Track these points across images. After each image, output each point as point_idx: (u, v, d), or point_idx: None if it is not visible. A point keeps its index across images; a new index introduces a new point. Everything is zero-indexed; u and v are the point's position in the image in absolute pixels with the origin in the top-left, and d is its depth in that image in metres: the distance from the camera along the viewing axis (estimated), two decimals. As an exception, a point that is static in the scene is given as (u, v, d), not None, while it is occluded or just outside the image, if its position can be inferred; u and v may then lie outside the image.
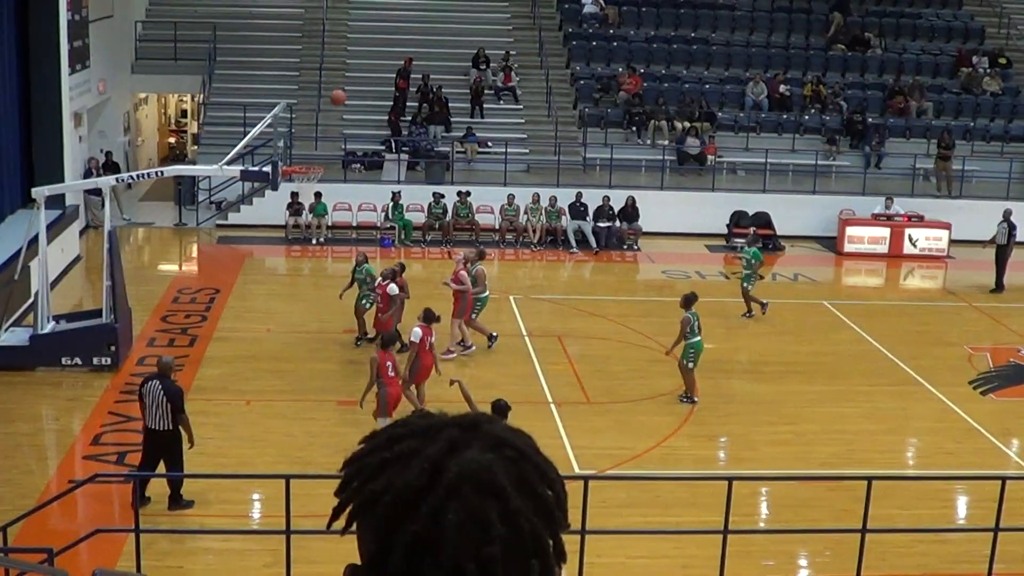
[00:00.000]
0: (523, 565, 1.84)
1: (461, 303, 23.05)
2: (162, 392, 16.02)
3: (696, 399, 21.12)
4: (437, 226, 33.35)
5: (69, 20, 29.70)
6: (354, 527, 1.97)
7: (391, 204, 33.04)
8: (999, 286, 30.12)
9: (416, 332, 19.70)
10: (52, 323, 22.06)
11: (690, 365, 21.08)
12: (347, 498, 1.97)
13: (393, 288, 21.97)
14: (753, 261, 26.52)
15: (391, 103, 36.93)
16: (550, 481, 1.97)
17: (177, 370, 18.45)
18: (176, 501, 16.32)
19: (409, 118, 36.92)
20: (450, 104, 37.37)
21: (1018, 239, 30.53)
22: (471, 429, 1.95)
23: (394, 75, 37.23)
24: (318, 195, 32.16)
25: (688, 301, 21.26)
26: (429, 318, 20.02)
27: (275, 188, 25.12)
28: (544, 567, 1.88)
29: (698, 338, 21.01)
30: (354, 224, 33.40)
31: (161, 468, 16.28)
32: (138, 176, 27.55)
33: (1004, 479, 15.33)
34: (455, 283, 23.09)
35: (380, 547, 1.87)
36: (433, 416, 2.02)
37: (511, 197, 33.30)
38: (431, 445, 1.90)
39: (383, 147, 36.19)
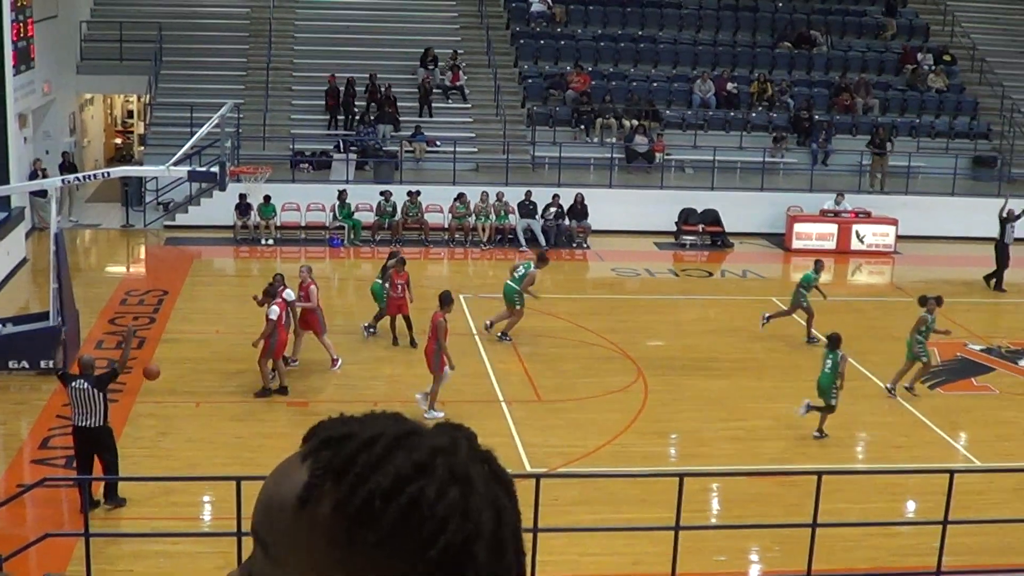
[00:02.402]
0: None
1: (320, 320, 22.31)
2: (91, 388, 15.87)
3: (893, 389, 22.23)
4: (386, 225, 33.29)
5: (13, 20, 29.44)
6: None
7: (337, 203, 32.94)
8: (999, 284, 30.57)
9: (274, 310, 20.37)
10: (-2, 326, 21.88)
11: (924, 359, 22.30)
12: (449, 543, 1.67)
13: (289, 293, 21.65)
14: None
15: (330, 104, 36.94)
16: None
17: (126, 373, 18.33)
18: (112, 497, 16.25)
19: (352, 118, 36.89)
20: (398, 103, 37.31)
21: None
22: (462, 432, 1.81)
23: (340, 74, 37.07)
24: (267, 198, 31.94)
25: (925, 302, 22.37)
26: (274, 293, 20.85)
27: (223, 189, 24.99)
28: None
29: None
30: (303, 224, 33.29)
31: (96, 466, 16.18)
32: (84, 177, 27.34)
33: (952, 472, 15.47)
34: (304, 300, 22.08)
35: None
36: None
37: (461, 196, 33.28)
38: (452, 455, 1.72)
39: (332, 147, 36.10)
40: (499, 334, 24.43)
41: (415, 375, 22.25)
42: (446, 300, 20.40)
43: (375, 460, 1.68)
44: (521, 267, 24.78)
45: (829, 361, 20.12)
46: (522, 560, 1.77)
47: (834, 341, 20.27)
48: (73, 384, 15.94)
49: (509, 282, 24.48)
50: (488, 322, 24.56)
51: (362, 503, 1.65)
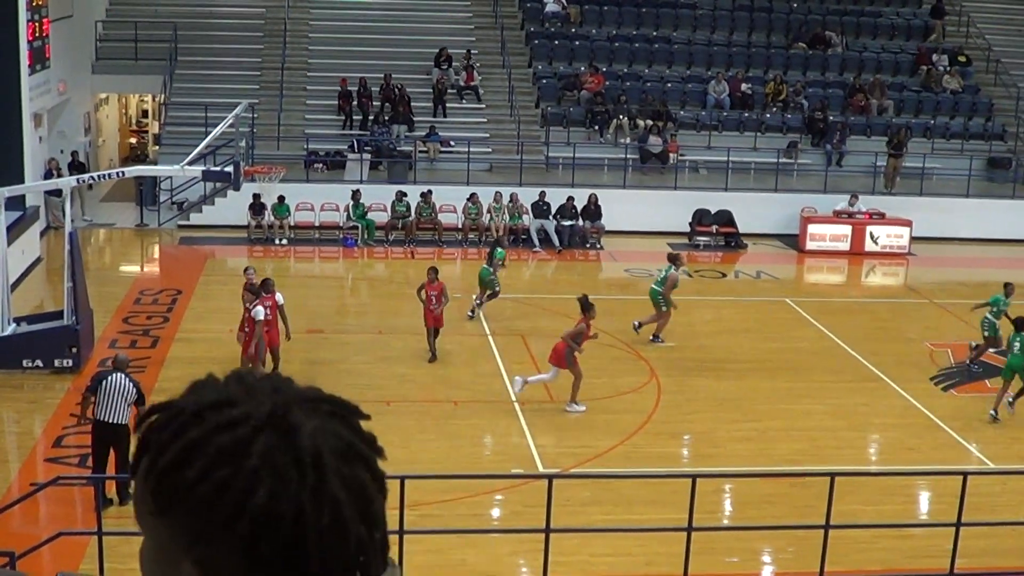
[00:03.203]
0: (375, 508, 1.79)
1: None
2: (131, 384, 16.02)
3: None
4: (400, 225, 33.30)
5: (28, 20, 29.51)
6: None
7: (351, 203, 32.97)
8: None
9: (259, 311, 20.45)
10: (12, 325, 21.89)
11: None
12: (225, 520, 1.69)
13: (280, 296, 21.49)
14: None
15: (343, 107, 37.01)
16: (360, 416, 1.91)
17: (139, 372, 18.40)
18: (126, 497, 16.34)
19: (366, 118, 36.94)
20: (412, 103, 37.34)
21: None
22: (284, 397, 1.81)
23: (354, 74, 37.16)
24: (281, 198, 31.98)
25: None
26: (258, 292, 20.96)
27: (237, 188, 25.06)
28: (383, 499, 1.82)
29: None
30: (317, 224, 33.33)
31: (110, 466, 16.28)
32: (99, 177, 27.40)
33: (965, 474, 15.44)
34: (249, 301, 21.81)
35: (287, 552, 1.69)
36: (219, 388, 1.80)
37: (474, 196, 33.31)
38: (269, 433, 1.72)
39: (346, 147, 36.12)
40: (651, 336, 24.87)
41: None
42: (589, 305, 20.96)
43: (170, 434, 1.74)
44: (662, 271, 25.34)
45: (1017, 344, 20.97)
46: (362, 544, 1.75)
47: (1021, 323, 21.07)
48: (108, 378, 16.04)
49: (653, 286, 25.10)
50: (636, 323, 24.92)
51: (158, 473, 1.72)
